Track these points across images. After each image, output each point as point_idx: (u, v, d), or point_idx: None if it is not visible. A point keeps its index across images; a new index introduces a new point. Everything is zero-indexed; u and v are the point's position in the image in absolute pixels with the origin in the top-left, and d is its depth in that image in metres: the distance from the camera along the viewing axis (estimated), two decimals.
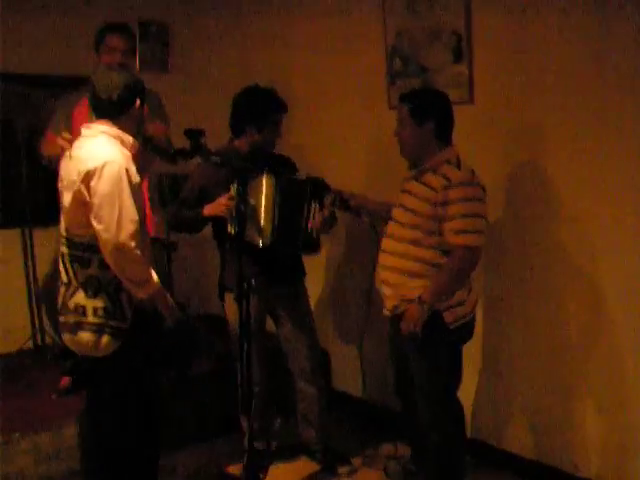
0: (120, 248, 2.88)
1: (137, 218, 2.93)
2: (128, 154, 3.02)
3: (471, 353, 3.62)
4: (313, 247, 3.57)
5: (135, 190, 2.95)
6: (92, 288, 2.99)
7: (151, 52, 5.55)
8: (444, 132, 3.26)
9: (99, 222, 2.88)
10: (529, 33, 3.50)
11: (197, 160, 3.77)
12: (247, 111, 3.65)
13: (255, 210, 3.43)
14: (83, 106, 3.99)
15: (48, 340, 4.82)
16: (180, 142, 4.22)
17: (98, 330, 2.98)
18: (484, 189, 3.20)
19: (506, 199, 3.70)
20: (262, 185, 3.44)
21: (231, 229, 3.38)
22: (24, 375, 4.57)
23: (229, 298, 3.58)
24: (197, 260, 5.56)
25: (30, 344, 4.83)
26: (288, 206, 3.45)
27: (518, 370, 3.78)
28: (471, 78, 3.73)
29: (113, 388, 3.11)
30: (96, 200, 2.87)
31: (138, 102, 3.07)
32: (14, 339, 4.80)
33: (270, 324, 3.82)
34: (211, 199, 3.52)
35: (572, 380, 3.56)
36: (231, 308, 3.52)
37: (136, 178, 2.99)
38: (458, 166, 3.19)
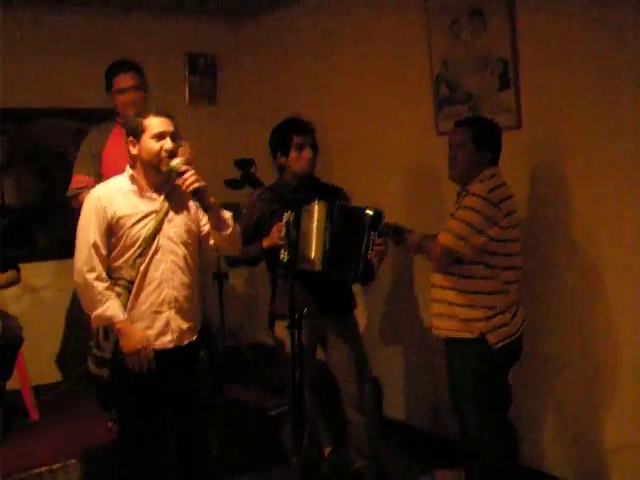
0: (75, 274, 3.03)
1: (91, 242, 2.99)
2: (126, 188, 3.09)
3: None
4: (370, 277, 3.55)
5: (107, 217, 3.01)
6: None
7: (200, 84, 5.68)
8: (495, 159, 3.35)
9: None
10: (575, 58, 3.50)
11: (248, 190, 3.85)
12: (273, 139, 3.74)
13: (307, 236, 3.46)
14: (114, 145, 4.05)
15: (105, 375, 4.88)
16: (230, 172, 4.33)
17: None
18: (498, 206, 3.20)
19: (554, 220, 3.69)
20: (314, 212, 3.48)
21: (283, 256, 3.44)
22: (78, 403, 4.66)
23: (280, 326, 3.61)
24: (247, 289, 5.62)
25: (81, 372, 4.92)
26: (342, 233, 3.46)
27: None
28: (518, 104, 3.73)
29: (118, 415, 3.36)
30: None
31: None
32: (69, 367, 4.89)
33: (320, 352, 3.83)
34: (267, 230, 3.58)
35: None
36: (281, 336, 3.55)
37: (119, 209, 3.03)
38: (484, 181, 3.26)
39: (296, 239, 3.30)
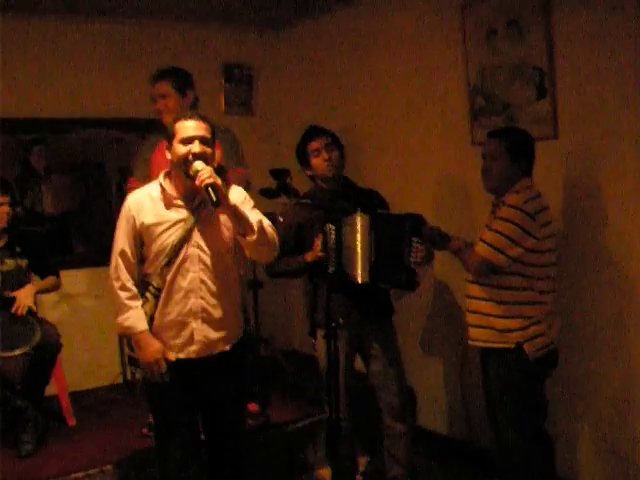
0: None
1: (119, 250, 3.02)
2: (156, 196, 3.06)
3: None
4: (415, 283, 3.52)
5: (136, 225, 3.02)
6: None
7: (236, 94, 5.72)
8: (530, 168, 3.35)
9: None
10: (612, 67, 3.47)
11: (283, 199, 3.87)
12: (296, 155, 3.81)
13: (352, 249, 3.47)
14: (160, 151, 4.13)
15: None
16: (265, 181, 4.34)
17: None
18: (534, 217, 3.18)
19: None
20: (357, 224, 3.49)
21: (331, 268, 3.46)
22: (114, 409, 4.71)
23: (320, 335, 3.62)
24: (282, 298, 5.63)
25: (120, 379, 4.96)
26: (386, 242, 3.46)
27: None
28: (555, 113, 3.71)
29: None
30: None
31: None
32: (105, 374, 4.95)
33: (358, 361, 3.84)
34: (308, 240, 3.61)
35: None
36: (321, 345, 3.56)
37: (147, 217, 3.02)
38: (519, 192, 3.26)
39: (341, 251, 3.31)
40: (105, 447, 4.12)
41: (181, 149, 2.96)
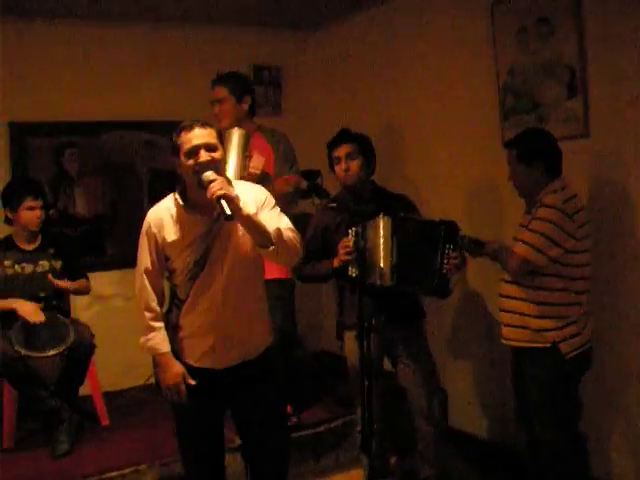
0: None
1: (143, 268, 2.97)
2: (174, 211, 2.95)
3: None
4: (447, 291, 3.51)
5: (159, 242, 2.95)
6: None
7: (265, 95, 5.75)
8: (552, 167, 3.33)
9: None
10: None
11: (314, 200, 3.89)
12: (328, 156, 3.78)
13: (374, 252, 3.48)
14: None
15: None
16: None
17: None
18: (572, 217, 3.19)
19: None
20: (379, 226, 3.49)
21: (352, 272, 3.46)
22: (147, 409, 4.75)
23: (348, 337, 3.63)
24: (313, 298, 5.64)
25: (153, 379, 4.99)
26: (414, 247, 3.47)
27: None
28: (586, 112, 3.69)
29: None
30: None
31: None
32: (138, 374, 4.98)
33: (387, 362, 3.84)
34: (333, 243, 3.62)
35: None
36: (350, 347, 3.57)
37: (168, 234, 2.93)
38: (557, 192, 3.26)
39: (363, 254, 3.31)
40: (139, 447, 4.16)
41: (188, 162, 2.82)
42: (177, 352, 2.99)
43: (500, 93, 4.13)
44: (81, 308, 4.94)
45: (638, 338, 3.58)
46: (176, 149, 2.86)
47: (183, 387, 2.94)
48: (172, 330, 3.01)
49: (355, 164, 3.68)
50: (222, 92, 4.15)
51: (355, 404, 3.58)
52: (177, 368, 2.95)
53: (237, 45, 5.59)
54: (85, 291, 4.58)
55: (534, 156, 3.30)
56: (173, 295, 3.03)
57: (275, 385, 3.10)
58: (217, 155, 2.86)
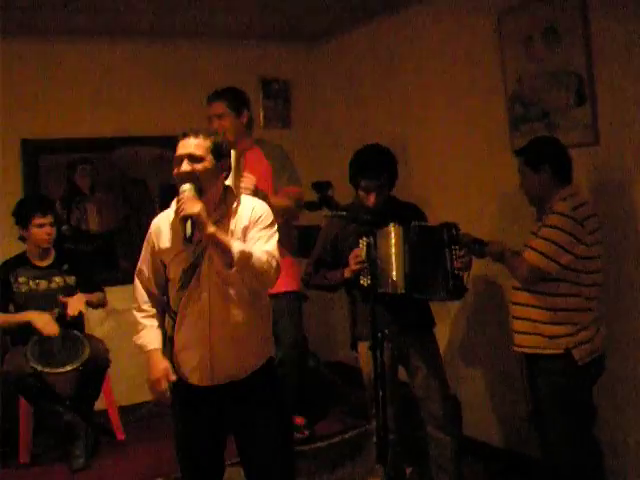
0: None
1: (137, 269, 3.02)
2: (171, 218, 2.91)
3: None
4: (462, 290, 3.49)
5: (155, 249, 2.95)
6: None
7: (274, 109, 5.78)
8: (561, 173, 3.33)
9: None
10: None
11: (325, 212, 3.89)
12: (349, 172, 3.73)
13: (385, 261, 3.49)
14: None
15: None
16: (307, 194, 4.38)
17: None
18: (582, 224, 3.19)
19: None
20: (390, 235, 3.50)
21: (364, 281, 3.47)
22: (162, 423, 4.72)
23: (362, 347, 3.64)
24: (325, 309, 5.66)
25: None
26: (424, 254, 3.47)
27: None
28: (595, 119, 3.70)
29: None
30: None
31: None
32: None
33: (401, 372, 3.84)
34: (344, 253, 3.62)
35: None
36: (364, 357, 3.57)
37: (163, 241, 2.93)
38: (567, 200, 3.26)
39: (375, 263, 3.32)
40: (154, 461, 4.17)
41: (173, 171, 2.83)
42: (174, 366, 2.93)
43: (508, 102, 4.14)
44: (96, 323, 4.97)
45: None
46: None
47: (165, 383, 2.87)
48: (169, 343, 2.96)
49: (382, 197, 3.66)
50: (220, 107, 4.17)
51: (370, 414, 3.59)
52: (163, 364, 2.89)
53: (246, 58, 5.65)
54: (102, 303, 4.61)
55: (541, 161, 3.32)
56: (169, 307, 2.98)
57: (272, 407, 2.98)
58: (200, 167, 2.78)
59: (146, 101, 5.33)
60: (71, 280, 4.45)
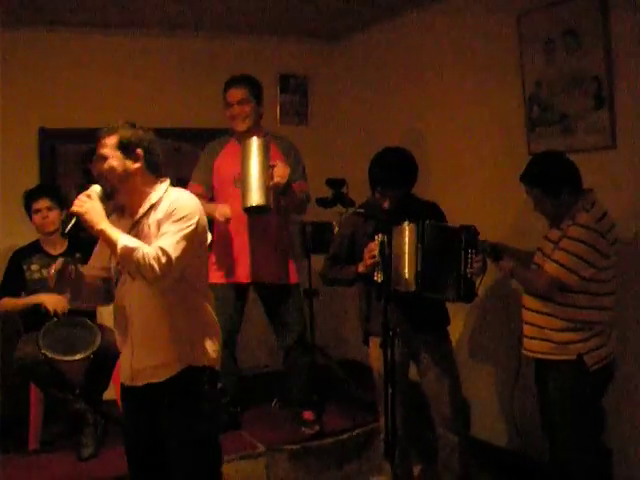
0: None
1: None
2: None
3: None
4: (473, 295, 3.50)
5: None
6: None
7: (291, 104, 5.77)
8: (577, 186, 3.30)
9: None
10: None
11: (339, 208, 3.90)
12: (369, 175, 3.67)
13: (399, 258, 3.49)
14: (225, 155, 4.22)
15: None
16: (319, 190, 4.40)
17: None
18: (605, 236, 3.17)
19: None
20: (405, 233, 3.50)
21: (378, 277, 3.47)
22: None
23: (374, 344, 3.63)
24: (336, 306, 5.66)
25: None
26: (436, 252, 3.47)
27: None
28: (613, 123, 3.68)
29: None
30: None
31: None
32: None
33: (412, 371, 3.84)
34: (360, 249, 3.62)
35: None
36: (375, 354, 3.57)
37: None
38: (589, 211, 3.23)
39: (389, 260, 3.32)
40: None
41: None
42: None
43: (526, 104, 4.13)
44: (107, 314, 4.97)
45: None
46: None
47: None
48: None
49: (399, 198, 3.64)
50: (243, 93, 4.15)
51: (379, 412, 3.59)
52: (99, 211, 2.66)
53: (264, 54, 5.64)
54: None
55: (560, 186, 3.27)
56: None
57: (187, 420, 2.81)
58: (105, 166, 2.72)
59: (164, 93, 5.33)
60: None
